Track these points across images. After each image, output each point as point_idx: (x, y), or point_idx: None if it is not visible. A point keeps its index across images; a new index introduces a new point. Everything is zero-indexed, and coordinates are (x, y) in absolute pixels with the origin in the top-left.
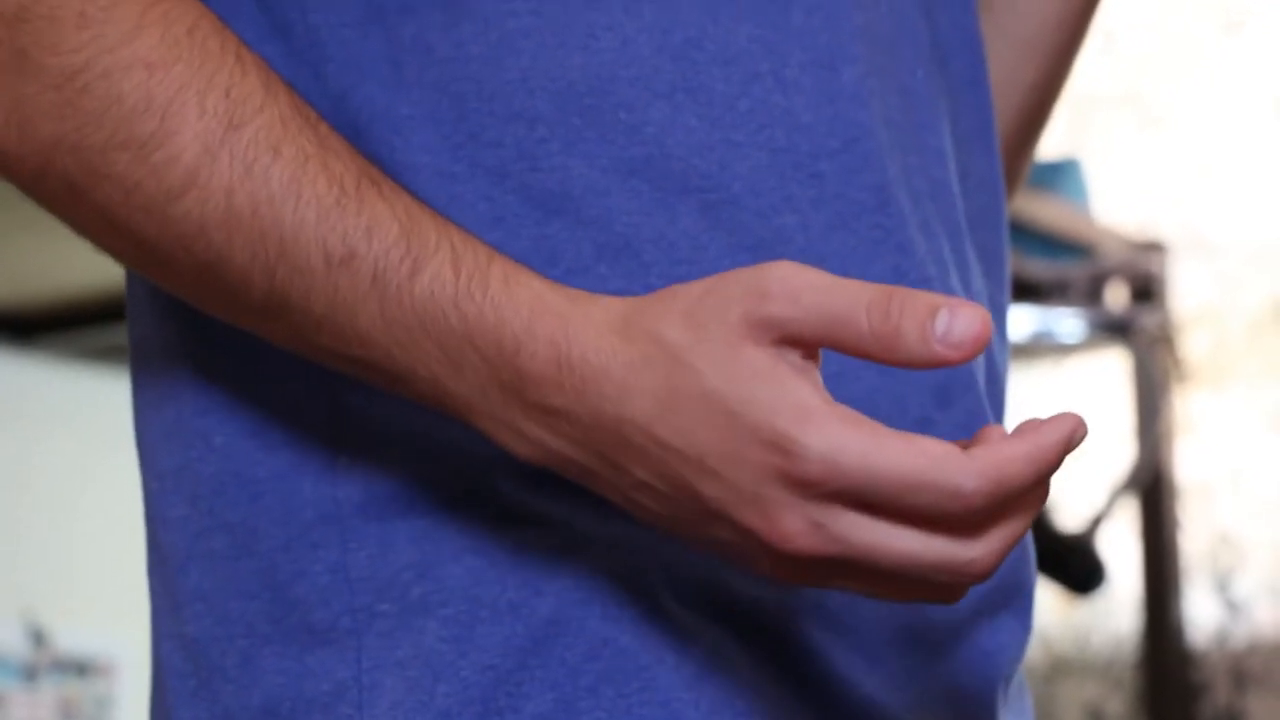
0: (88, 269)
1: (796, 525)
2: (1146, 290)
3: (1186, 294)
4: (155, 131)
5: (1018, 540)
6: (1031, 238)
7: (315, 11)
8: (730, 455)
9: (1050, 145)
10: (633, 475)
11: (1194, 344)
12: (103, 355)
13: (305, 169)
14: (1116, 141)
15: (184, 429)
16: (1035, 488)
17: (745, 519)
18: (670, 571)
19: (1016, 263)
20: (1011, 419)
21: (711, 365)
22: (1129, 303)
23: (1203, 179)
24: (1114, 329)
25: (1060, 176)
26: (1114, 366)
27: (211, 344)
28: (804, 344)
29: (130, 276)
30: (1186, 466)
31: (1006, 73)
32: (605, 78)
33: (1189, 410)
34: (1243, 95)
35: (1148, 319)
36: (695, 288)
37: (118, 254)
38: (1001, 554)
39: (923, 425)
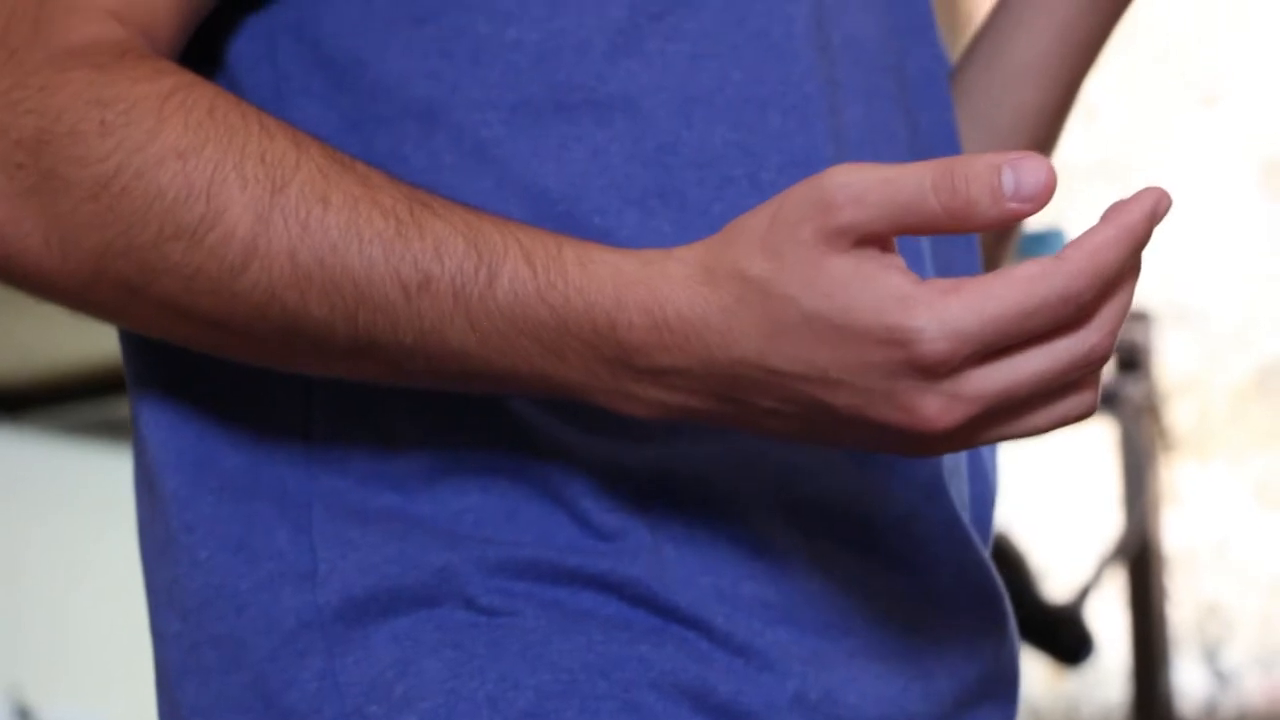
0: (76, 344)
1: (935, 405)
2: (1132, 360)
3: (1171, 364)
4: (204, 214)
5: (1126, 312)
6: None
7: (296, 124)
8: (852, 363)
9: (1034, 215)
10: (759, 406)
11: (1179, 414)
12: (92, 430)
13: (358, 210)
14: (1100, 212)
15: (172, 545)
16: (1130, 263)
17: (883, 416)
18: (647, 663)
19: None
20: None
21: (802, 288)
22: (1114, 373)
23: (1187, 250)
24: (1100, 399)
25: (1044, 247)
26: (1100, 436)
27: (195, 461)
28: (880, 239)
29: (132, 395)
30: (1173, 537)
31: None
32: (578, 185)
33: (1175, 480)
34: (1224, 167)
35: (1133, 389)
36: (760, 217)
37: (189, 339)
38: (1115, 328)
39: (908, 520)
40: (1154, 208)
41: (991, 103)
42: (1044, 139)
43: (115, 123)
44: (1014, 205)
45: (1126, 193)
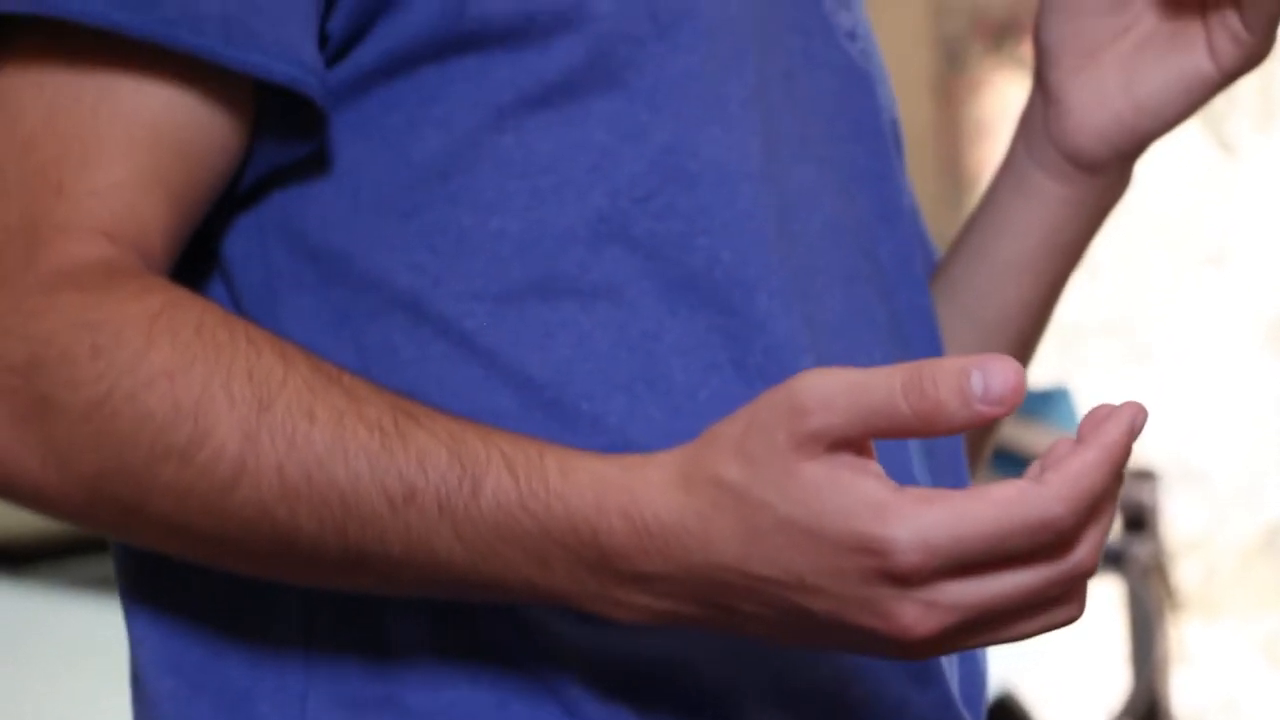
0: None
1: (912, 614)
2: (1138, 520)
3: (1178, 523)
4: (192, 434)
5: (1110, 525)
6: (1022, 466)
7: (288, 319)
8: (827, 570)
9: (1040, 374)
10: (741, 611)
11: (1186, 573)
12: (98, 585)
13: (343, 424)
14: (1106, 370)
15: None
16: (1113, 484)
17: (861, 622)
18: None
19: None
20: (999, 658)
21: (777, 493)
22: (1121, 532)
23: (1192, 409)
24: (1106, 559)
25: (1050, 405)
26: (1107, 596)
27: (194, 662)
28: (853, 444)
29: (125, 597)
30: (1181, 696)
31: (972, 353)
32: (564, 372)
33: (1183, 639)
34: (1229, 326)
35: (1140, 549)
36: (737, 423)
37: (183, 553)
38: (1099, 547)
39: (901, 707)
40: (1132, 423)
41: (977, 298)
42: (1029, 333)
43: (105, 345)
44: (983, 408)
45: (1130, 351)
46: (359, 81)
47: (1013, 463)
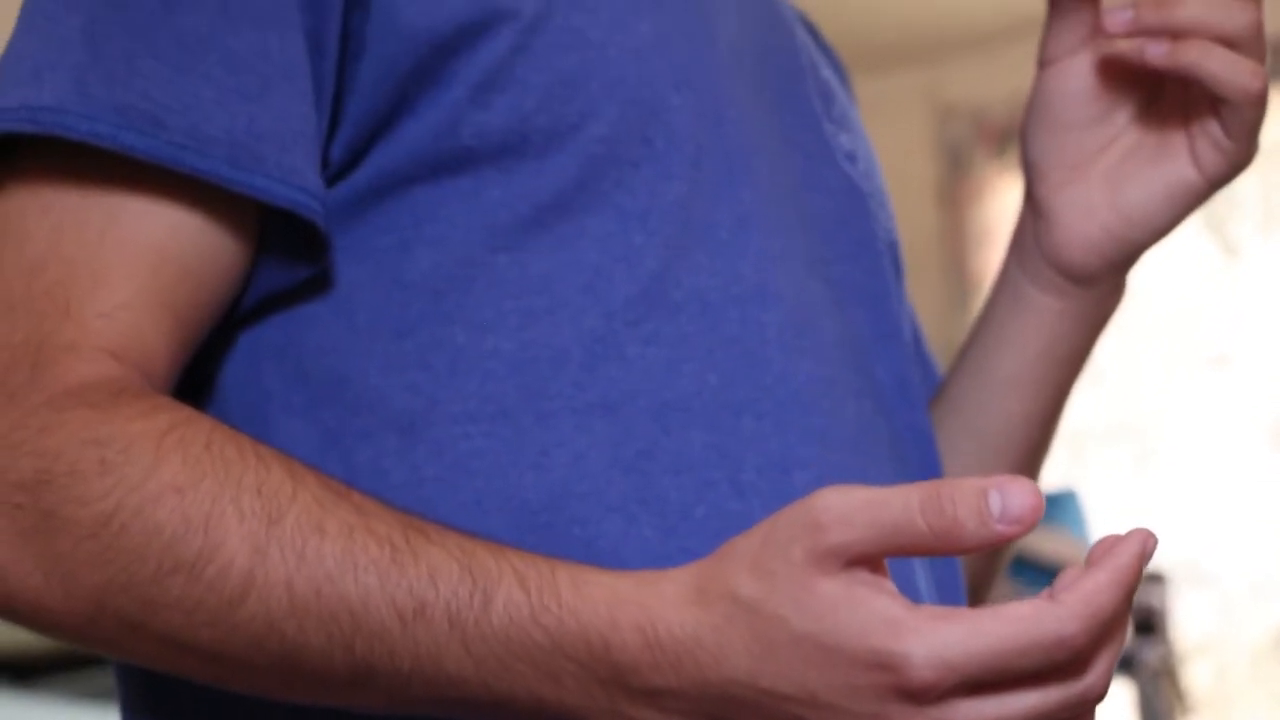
0: None
1: None
2: (1148, 623)
3: (1188, 626)
4: (202, 547)
5: (1120, 650)
6: (1031, 569)
7: (277, 443)
8: (840, 686)
9: (1049, 477)
10: None
11: (1197, 675)
12: (106, 696)
13: (353, 539)
14: (1112, 473)
15: None
16: (1125, 606)
17: None
18: None
19: (1016, 597)
20: None
21: (792, 609)
22: (1131, 636)
23: (1201, 511)
24: (1117, 662)
25: (1059, 509)
26: (1118, 699)
27: None
28: (869, 560)
29: (126, 711)
30: None
31: (976, 469)
32: (558, 494)
33: None
34: (1235, 427)
35: (1150, 652)
36: (753, 538)
37: (188, 672)
38: (1110, 670)
39: None
40: (1142, 547)
41: (979, 412)
42: (1036, 445)
43: (114, 461)
44: (1001, 527)
45: (1136, 454)
46: (354, 203)
47: (1022, 567)
